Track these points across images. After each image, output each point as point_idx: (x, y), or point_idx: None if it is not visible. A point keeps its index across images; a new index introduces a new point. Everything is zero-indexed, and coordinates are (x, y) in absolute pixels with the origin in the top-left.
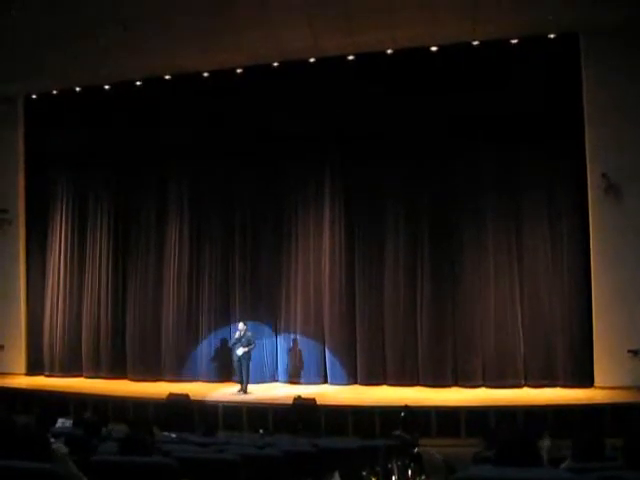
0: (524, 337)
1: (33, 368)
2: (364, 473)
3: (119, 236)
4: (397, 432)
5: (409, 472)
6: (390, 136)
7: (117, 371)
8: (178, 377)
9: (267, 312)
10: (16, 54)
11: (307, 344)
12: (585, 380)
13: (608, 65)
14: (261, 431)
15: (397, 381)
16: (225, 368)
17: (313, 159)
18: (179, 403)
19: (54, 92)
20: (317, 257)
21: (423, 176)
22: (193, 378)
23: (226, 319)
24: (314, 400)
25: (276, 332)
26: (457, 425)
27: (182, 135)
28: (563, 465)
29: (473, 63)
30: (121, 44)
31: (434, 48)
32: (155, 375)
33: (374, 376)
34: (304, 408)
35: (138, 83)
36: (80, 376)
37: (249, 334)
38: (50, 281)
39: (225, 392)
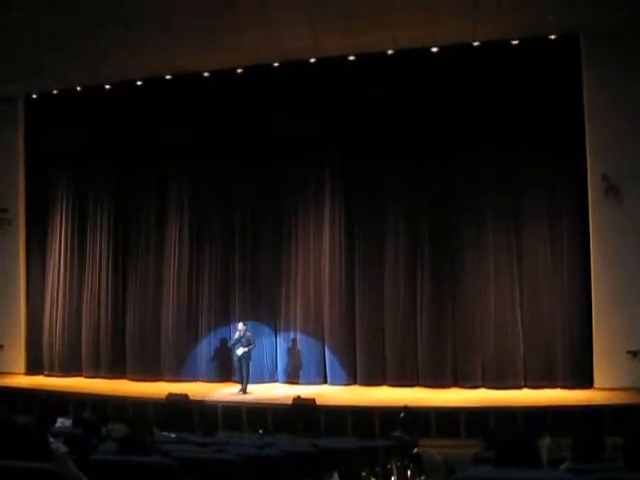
0: (524, 338)
1: (33, 368)
2: (363, 473)
3: (119, 236)
4: (396, 433)
5: (408, 472)
6: (390, 136)
7: (117, 371)
8: (178, 377)
9: (267, 312)
10: (16, 54)
11: (307, 344)
12: (585, 381)
13: (608, 66)
14: (260, 431)
15: (397, 381)
16: (225, 368)
17: (313, 159)
18: (178, 403)
19: (54, 92)
20: (317, 257)
21: (423, 176)
22: (193, 378)
23: (226, 319)
24: (314, 400)
25: (276, 332)
26: (457, 426)
27: (182, 135)
28: (563, 466)
29: (473, 64)
30: (121, 44)
31: (434, 49)
32: (155, 375)
33: (374, 376)
34: (304, 408)
35: (139, 83)
36: (80, 376)
37: (249, 334)
38: (50, 280)
39: (225, 392)
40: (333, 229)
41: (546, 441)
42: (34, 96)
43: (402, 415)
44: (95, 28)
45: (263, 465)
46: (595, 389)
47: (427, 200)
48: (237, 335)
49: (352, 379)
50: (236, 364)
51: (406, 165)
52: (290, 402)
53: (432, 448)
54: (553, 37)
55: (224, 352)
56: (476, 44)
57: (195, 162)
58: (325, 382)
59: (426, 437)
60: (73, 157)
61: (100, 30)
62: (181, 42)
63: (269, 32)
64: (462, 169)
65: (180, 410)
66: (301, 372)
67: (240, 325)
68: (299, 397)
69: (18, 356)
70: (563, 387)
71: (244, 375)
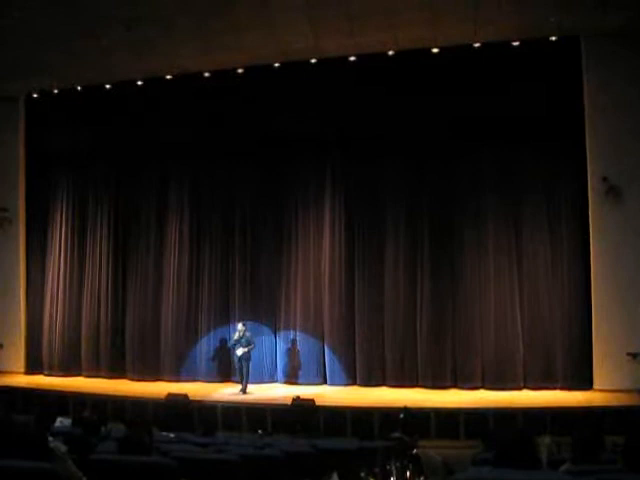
0: (524, 339)
1: (32, 367)
2: (362, 474)
3: (119, 235)
4: (396, 434)
5: (407, 473)
6: (391, 137)
7: (116, 370)
8: (177, 377)
9: (267, 312)
10: (17, 53)
11: (306, 344)
12: (584, 383)
13: (609, 68)
14: (260, 431)
15: (396, 382)
16: (224, 368)
17: (314, 159)
18: (178, 403)
19: (55, 92)
20: (317, 257)
21: (423, 177)
22: (192, 378)
23: (226, 319)
24: (313, 401)
25: (275, 332)
26: (456, 427)
27: (183, 135)
28: (562, 467)
29: (474, 65)
30: (122, 44)
31: (435, 50)
32: (154, 375)
33: (373, 377)
34: (303, 409)
35: (139, 83)
36: (79, 375)
37: (248, 334)
38: (50, 280)
39: (224, 392)
40: (333, 229)
41: (546, 441)
42: (35, 96)
43: (401, 416)
44: (96, 28)
45: (262, 465)
46: (595, 391)
47: (427, 201)
48: (237, 336)
49: (351, 379)
50: (236, 364)
51: (406, 166)
52: (289, 402)
53: (431, 449)
54: (554, 39)
55: (224, 352)
56: (477, 45)
57: (195, 162)
58: (324, 382)
59: (425, 438)
60: (73, 157)
61: (101, 30)
62: (181, 42)
63: (270, 32)
64: (462, 170)
65: (180, 410)
66: (301, 372)
67: (239, 326)
68: (298, 397)
69: (18, 355)
70: (563, 388)
71: (244, 375)
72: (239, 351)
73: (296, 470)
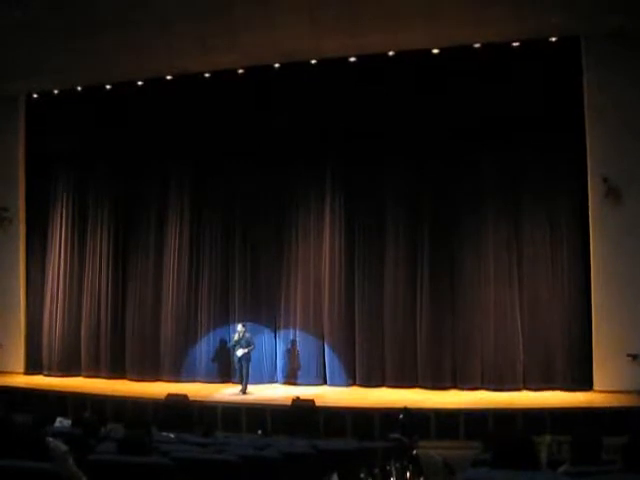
0: (523, 340)
1: (32, 367)
2: (362, 475)
3: (119, 235)
4: (395, 434)
5: (407, 474)
6: (391, 137)
7: (116, 371)
8: (177, 377)
9: (266, 313)
10: (17, 53)
11: (306, 345)
12: (584, 384)
13: (609, 69)
14: (259, 432)
15: (396, 383)
16: (224, 369)
17: (314, 160)
18: (178, 403)
19: (55, 92)
20: (317, 258)
21: (423, 178)
22: (192, 378)
23: (225, 319)
24: (313, 401)
25: (275, 333)
26: (456, 427)
27: (183, 135)
28: (561, 468)
29: (474, 66)
30: (123, 44)
31: (436, 50)
32: (154, 375)
33: (373, 378)
34: (303, 409)
35: (139, 83)
36: (79, 375)
37: (248, 335)
38: (50, 280)
39: (224, 393)
40: (333, 230)
41: (546, 440)
42: (35, 96)
43: (401, 416)
44: (96, 28)
45: (262, 466)
46: (595, 392)
47: (427, 202)
48: (236, 337)
49: (351, 380)
50: (236, 365)
51: (407, 167)
52: (289, 403)
53: (431, 449)
54: (554, 39)
55: (223, 353)
56: (477, 46)
57: (195, 162)
58: (324, 383)
59: (425, 439)
60: (73, 157)
61: (101, 30)
62: (181, 43)
63: (270, 33)
64: (463, 171)
65: (179, 410)
66: (300, 373)
67: (239, 327)
68: (298, 398)
69: (17, 355)
70: (562, 389)
71: (244, 376)
72: (239, 352)
73: (296, 471)
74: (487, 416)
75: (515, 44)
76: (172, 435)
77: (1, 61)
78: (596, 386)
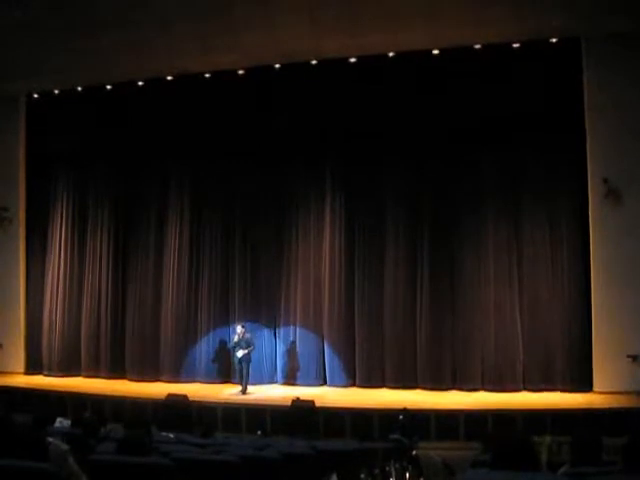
0: (523, 340)
1: (32, 367)
2: (362, 475)
3: (119, 236)
4: (395, 435)
5: (407, 475)
6: (391, 138)
7: (116, 371)
8: (177, 377)
9: (266, 313)
10: (17, 53)
11: (306, 345)
12: (584, 385)
13: (609, 69)
14: (259, 432)
15: (396, 384)
16: (224, 369)
17: (314, 160)
18: (177, 403)
19: (55, 92)
20: (317, 258)
21: (423, 178)
22: (192, 379)
23: (225, 320)
24: (312, 402)
25: (275, 333)
26: (456, 428)
27: (183, 135)
28: (561, 469)
29: (474, 66)
30: (123, 44)
31: (436, 51)
32: (154, 375)
33: (373, 378)
34: (302, 410)
35: (140, 83)
36: (79, 376)
37: (248, 336)
38: (50, 280)
39: (224, 393)
40: (333, 230)
41: (546, 440)
42: (35, 96)
43: (401, 417)
44: (96, 28)
45: (262, 466)
46: (595, 393)
47: (427, 202)
48: (236, 338)
49: (351, 381)
50: (236, 366)
51: (407, 167)
52: (289, 403)
53: (431, 450)
54: (554, 40)
55: (223, 353)
56: (477, 47)
57: (196, 162)
58: (324, 383)
59: (425, 440)
60: (74, 157)
61: (101, 30)
62: (181, 43)
63: (271, 33)
64: (463, 171)
65: (179, 411)
66: (300, 373)
67: (239, 328)
68: (298, 398)
69: (17, 355)
70: (562, 390)
71: (243, 376)
72: (239, 353)
73: (295, 471)
74: (487, 417)
75: (515, 45)
76: (172, 435)
77: (1, 61)
78: (596, 387)
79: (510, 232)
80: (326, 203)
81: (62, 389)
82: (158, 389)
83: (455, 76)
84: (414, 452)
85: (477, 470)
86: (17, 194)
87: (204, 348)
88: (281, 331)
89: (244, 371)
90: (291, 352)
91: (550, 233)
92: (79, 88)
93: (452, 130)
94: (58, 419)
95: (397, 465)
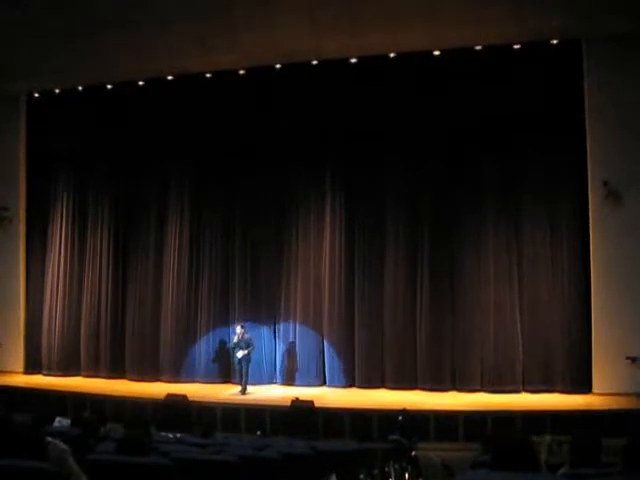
0: (523, 342)
1: (31, 366)
2: (361, 476)
3: (119, 236)
4: (394, 436)
5: (406, 475)
6: (391, 138)
7: (116, 371)
8: (176, 377)
9: (266, 313)
10: (17, 53)
11: (306, 346)
12: (583, 386)
13: (610, 71)
14: (258, 433)
15: (395, 384)
16: (223, 369)
17: (314, 161)
18: (177, 403)
19: (56, 91)
20: (317, 258)
21: (424, 179)
22: (191, 379)
23: (225, 320)
24: (312, 402)
25: (275, 333)
26: (455, 429)
27: (183, 135)
28: (561, 470)
29: (475, 67)
30: (123, 44)
31: (437, 52)
32: (154, 375)
33: (372, 379)
34: (302, 410)
35: (140, 83)
36: (78, 375)
37: (247, 336)
38: (50, 279)
39: (223, 393)
40: (333, 230)
41: (547, 440)
42: (36, 95)
43: (400, 418)
44: (96, 28)
45: (261, 467)
46: (594, 394)
47: (427, 202)
48: (236, 339)
49: (351, 381)
50: (236, 366)
51: (407, 167)
52: (288, 404)
53: (431, 451)
54: (555, 42)
55: (223, 353)
56: (478, 48)
57: (195, 162)
58: (324, 384)
59: (425, 440)
60: (74, 156)
61: (101, 30)
62: (181, 43)
63: (271, 34)
64: (463, 172)
65: (179, 411)
66: (300, 374)
67: (238, 329)
68: (297, 399)
69: (17, 355)
70: (562, 392)
71: (243, 376)
72: (239, 354)
73: (295, 472)
74: (486, 418)
75: (516, 46)
76: (171, 435)
77: (1, 61)
78: (595, 388)
79: (510, 232)
80: (326, 203)
81: (62, 389)
82: (158, 389)
83: (455, 77)
84: (413, 453)
85: (476, 471)
86: (17, 194)
87: (204, 348)
88: (281, 331)
89: (244, 371)
90: (291, 352)
91: (550, 234)
92: (79, 88)
93: (452, 131)
94: (57, 419)
95: (396, 466)
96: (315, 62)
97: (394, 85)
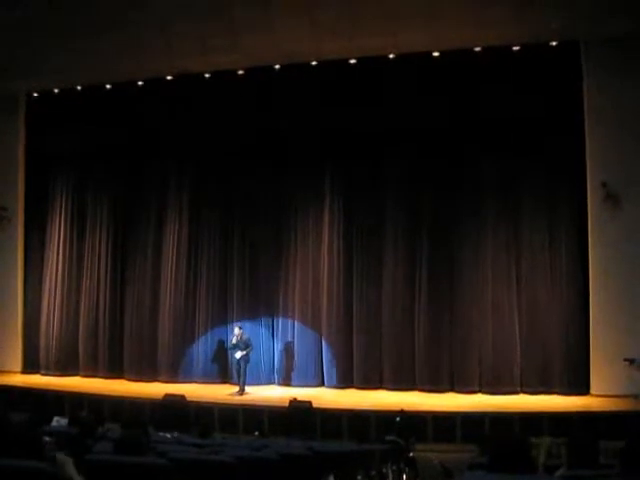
0: (521, 343)
1: (29, 366)
2: (359, 477)
3: (118, 236)
4: (391, 437)
5: (403, 476)
6: (391, 139)
7: (114, 371)
8: (174, 378)
9: (264, 314)
10: (17, 53)
11: (304, 346)
12: (581, 388)
13: (609, 73)
14: (256, 433)
15: (393, 385)
16: (221, 369)
17: (313, 161)
18: (175, 404)
19: (56, 91)
20: (315, 259)
21: (423, 180)
22: (189, 379)
23: (223, 320)
24: (310, 403)
25: (273, 334)
26: (453, 430)
27: (183, 136)
28: (558, 472)
29: (474, 69)
30: (122, 44)
31: (436, 53)
32: (152, 375)
33: (370, 380)
34: (300, 411)
35: (140, 83)
36: (76, 375)
37: (245, 337)
38: (48, 279)
39: (221, 393)
40: (332, 231)
41: (546, 441)
42: (35, 95)
43: (398, 419)
44: (95, 28)
45: (259, 467)
46: (591, 396)
47: (426, 203)
48: (234, 340)
49: (349, 382)
50: (234, 367)
51: (406, 168)
52: (286, 404)
53: (428, 452)
54: (554, 44)
55: (221, 353)
56: (477, 49)
57: (195, 162)
58: (322, 384)
59: (422, 441)
60: (73, 156)
61: (101, 30)
62: (181, 43)
63: (271, 34)
64: (462, 173)
65: (176, 411)
66: (298, 374)
67: (236, 330)
68: (295, 399)
69: (15, 354)
70: (559, 393)
71: (241, 376)
72: (237, 354)
73: (292, 472)
74: (484, 419)
75: (515, 48)
76: (169, 435)
77: (1, 60)
78: (593, 390)
79: (509, 234)
80: (325, 203)
81: (59, 389)
82: (156, 389)
83: (455, 78)
84: (411, 454)
85: (474, 472)
86: (16, 193)
87: (202, 348)
88: (279, 332)
89: (241, 371)
90: (289, 353)
91: (549, 236)
92: (79, 88)
93: (452, 132)
94: (55, 418)
95: (394, 467)
96: (315, 63)
97: (394, 86)
